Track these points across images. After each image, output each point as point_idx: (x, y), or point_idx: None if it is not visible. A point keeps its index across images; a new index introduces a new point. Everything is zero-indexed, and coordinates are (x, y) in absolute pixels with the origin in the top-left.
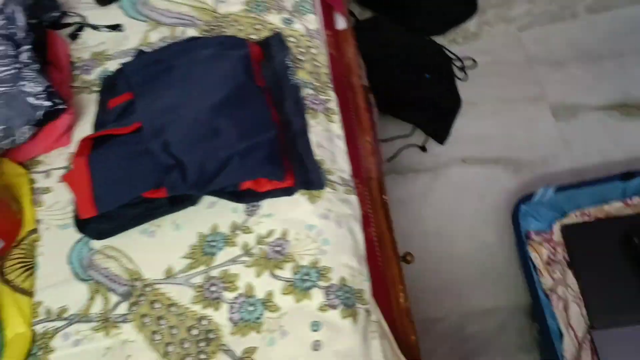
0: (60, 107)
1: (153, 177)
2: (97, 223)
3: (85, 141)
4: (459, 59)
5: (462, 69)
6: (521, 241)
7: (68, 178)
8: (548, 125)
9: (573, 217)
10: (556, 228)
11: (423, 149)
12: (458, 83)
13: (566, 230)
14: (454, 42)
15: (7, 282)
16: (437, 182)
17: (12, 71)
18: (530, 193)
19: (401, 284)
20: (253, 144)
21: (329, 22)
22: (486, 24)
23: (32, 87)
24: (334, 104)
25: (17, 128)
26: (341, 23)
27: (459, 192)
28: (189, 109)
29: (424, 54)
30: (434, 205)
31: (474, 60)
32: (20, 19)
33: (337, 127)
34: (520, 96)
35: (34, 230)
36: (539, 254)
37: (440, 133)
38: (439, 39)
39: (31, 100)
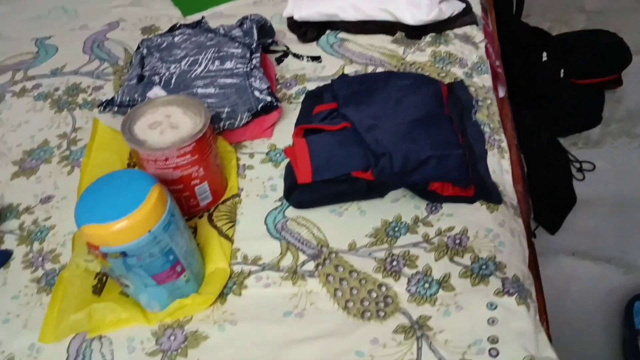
0: (275, 104)
1: (364, 160)
2: (301, 192)
3: (299, 129)
4: (578, 161)
5: (580, 170)
6: (633, 336)
7: (289, 151)
8: None
9: None
10: None
11: (533, 235)
12: (575, 182)
13: None
14: (574, 145)
15: (215, 227)
16: (544, 269)
17: (246, 69)
18: None
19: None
20: (446, 153)
21: (494, 87)
22: (609, 134)
23: (259, 84)
24: (505, 145)
25: (240, 113)
26: (501, 92)
27: (566, 283)
28: (390, 121)
29: (548, 149)
30: None
31: (593, 164)
32: (254, 34)
33: (507, 164)
34: (636, 204)
35: (237, 195)
36: None
37: (551, 224)
38: (561, 140)
39: (257, 93)
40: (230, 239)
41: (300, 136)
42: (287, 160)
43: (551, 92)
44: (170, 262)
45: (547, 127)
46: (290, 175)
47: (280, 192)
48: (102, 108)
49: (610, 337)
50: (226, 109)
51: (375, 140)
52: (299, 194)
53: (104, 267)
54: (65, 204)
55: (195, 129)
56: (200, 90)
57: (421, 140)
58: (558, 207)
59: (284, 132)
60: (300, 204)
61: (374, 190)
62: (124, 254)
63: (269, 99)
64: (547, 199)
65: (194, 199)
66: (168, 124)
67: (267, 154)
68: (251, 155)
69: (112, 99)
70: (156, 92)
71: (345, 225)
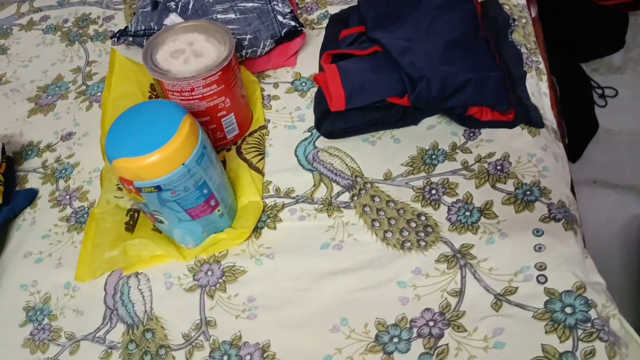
0: (300, 29)
1: (400, 85)
2: (333, 121)
3: (327, 54)
4: (600, 87)
5: (602, 96)
6: None
7: (319, 78)
8: None
9: None
10: None
11: None
12: (597, 109)
13: None
14: (595, 71)
15: (245, 160)
16: None
17: None
18: None
19: None
20: (484, 76)
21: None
22: (631, 60)
23: (282, 7)
24: (542, 66)
25: (262, 40)
26: (533, 11)
27: (586, 212)
28: (424, 43)
29: (570, 75)
30: None
31: (615, 90)
32: None
33: (545, 86)
34: None
35: (264, 127)
36: None
37: (572, 151)
38: (582, 66)
39: (280, 18)
40: (261, 172)
41: (329, 62)
42: (314, 90)
43: (574, 15)
44: (204, 195)
45: (568, 52)
46: (320, 104)
47: (309, 122)
48: (115, 39)
49: (630, 264)
50: (248, 36)
51: (411, 63)
52: (330, 123)
53: (137, 202)
54: (88, 140)
55: (220, 57)
56: (220, 16)
57: (458, 62)
58: (580, 133)
59: (308, 60)
60: (331, 134)
61: (409, 117)
62: (158, 188)
63: (292, 23)
64: (569, 125)
65: (221, 132)
66: (192, 52)
67: (292, 83)
68: (275, 85)
69: (126, 28)
70: (173, 19)
71: (379, 154)
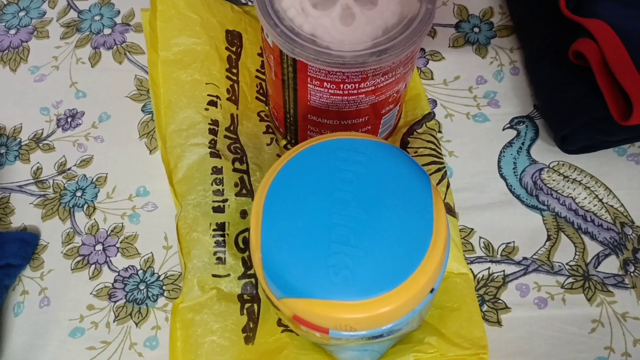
0: None
1: None
2: (593, 130)
3: None
4: None
5: None
6: None
7: (586, 48)
8: None
9: None
10: None
11: None
12: None
13: None
14: None
15: None
16: None
17: None
18: None
19: None
20: None
21: None
22: None
23: None
24: None
25: None
26: None
27: None
28: None
29: None
30: None
31: None
32: None
33: None
34: None
35: (429, 115)
36: None
37: None
38: None
39: None
40: (453, 211)
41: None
42: (501, 41)
43: None
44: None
45: None
46: (564, 101)
47: (506, 107)
48: None
49: None
50: None
51: None
52: (589, 133)
53: (307, 336)
54: (112, 127)
55: (414, 6)
56: None
57: None
58: None
59: None
60: (586, 149)
61: None
62: (375, 337)
63: None
64: None
65: (373, 135)
66: None
67: (458, 26)
68: (430, 31)
69: None
70: None
71: None
